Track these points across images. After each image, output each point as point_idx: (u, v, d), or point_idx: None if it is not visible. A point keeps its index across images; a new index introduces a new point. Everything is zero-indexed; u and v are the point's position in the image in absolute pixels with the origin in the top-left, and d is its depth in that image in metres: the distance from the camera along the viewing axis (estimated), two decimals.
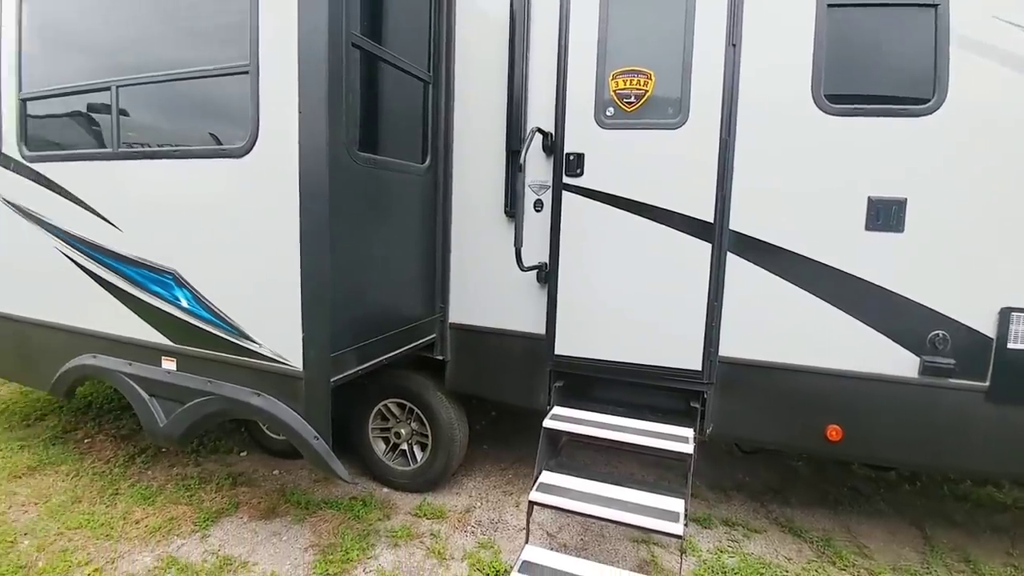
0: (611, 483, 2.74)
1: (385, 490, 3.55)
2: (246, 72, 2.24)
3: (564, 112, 2.82)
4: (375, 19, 2.66)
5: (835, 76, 2.47)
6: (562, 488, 2.71)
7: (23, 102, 3.00)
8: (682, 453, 2.62)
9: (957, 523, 3.36)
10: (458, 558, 2.92)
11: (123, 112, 2.62)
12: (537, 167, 2.94)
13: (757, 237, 2.60)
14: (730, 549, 3.06)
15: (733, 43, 2.57)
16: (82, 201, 2.79)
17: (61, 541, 2.92)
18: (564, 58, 2.80)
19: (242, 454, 4.01)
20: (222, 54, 2.34)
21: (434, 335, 3.26)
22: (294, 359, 2.31)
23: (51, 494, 3.37)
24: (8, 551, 2.82)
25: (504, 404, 3.51)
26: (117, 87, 2.59)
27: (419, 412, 3.46)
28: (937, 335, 2.40)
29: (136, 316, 2.70)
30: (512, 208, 2.97)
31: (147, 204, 2.61)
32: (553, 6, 2.79)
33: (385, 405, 3.52)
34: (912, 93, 2.39)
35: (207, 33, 2.43)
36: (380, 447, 3.58)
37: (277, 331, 2.34)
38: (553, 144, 2.84)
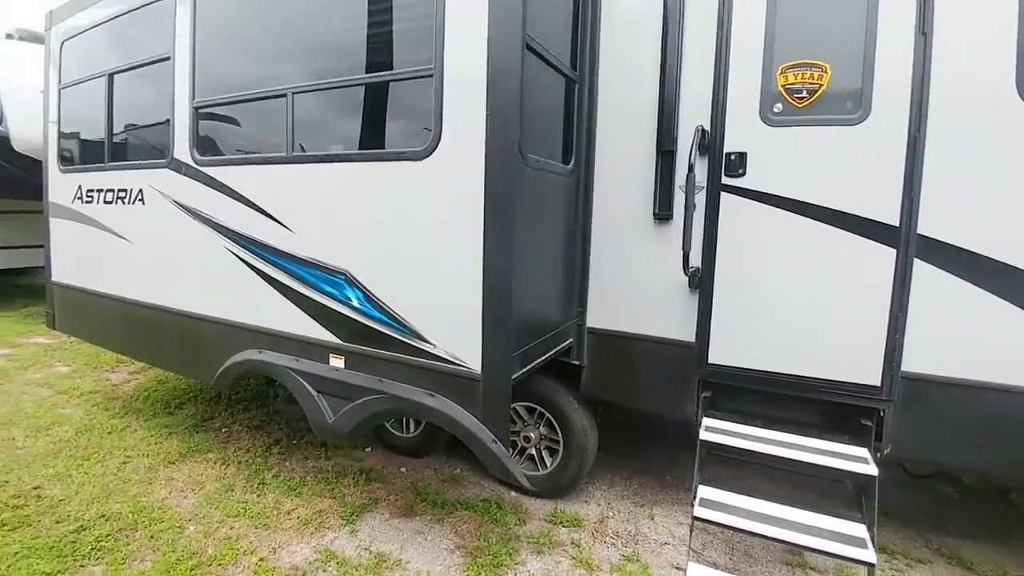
0: (770, 501, 2.60)
1: (513, 494, 3.55)
2: (430, 75, 2.28)
3: (724, 110, 2.72)
4: (533, 19, 2.66)
5: None
6: (723, 504, 2.60)
7: (196, 110, 3.20)
8: (866, 475, 2.44)
9: None
10: (606, 570, 2.86)
11: (297, 118, 2.74)
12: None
13: (950, 242, 2.40)
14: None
15: (924, 31, 2.39)
16: (253, 203, 2.94)
17: (224, 528, 3.08)
18: (725, 53, 2.70)
19: (367, 450, 4.12)
20: (402, 58, 2.41)
21: (571, 340, 3.22)
22: (471, 361, 2.32)
23: (204, 481, 3.57)
24: (179, 536, 2.99)
25: (643, 412, 3.41)
26: (293, 94, 2.71)
27: (550, 417, 3.43)
28: None
29: (305, 314, 2.82)
30: (664, 211, 2.89)
31: (320, 206, 2.71)
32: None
33: (514, 408, 3.51)
34: None
35: (386, 38, 2.50)
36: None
37: (454, 332, 2.37)
38: (710, 143, 2.74)
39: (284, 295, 2.88)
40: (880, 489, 2.45)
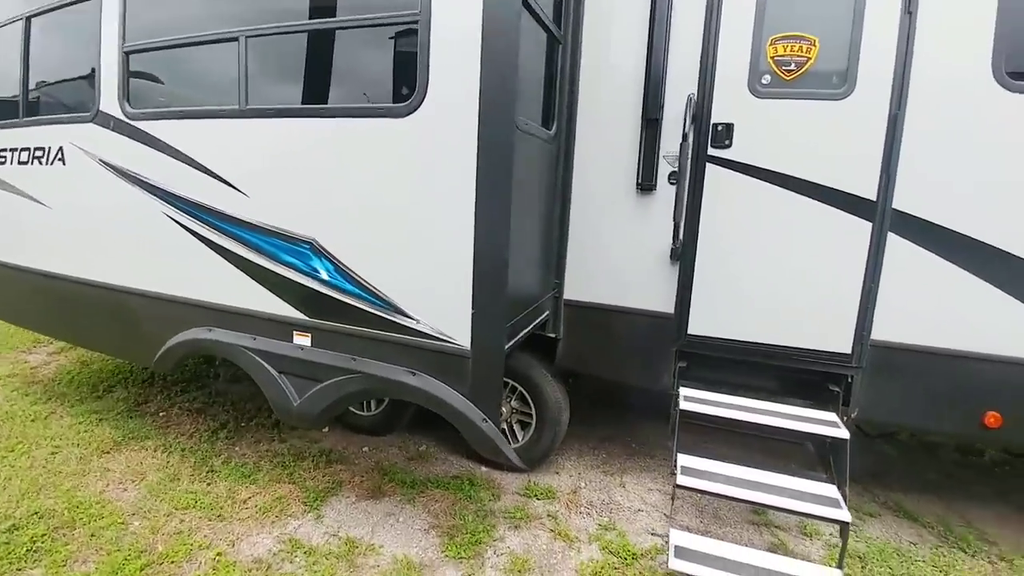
0: (743, 465, 2.68)
1: (484, 469, 3.47)
2: (414, 23, 2.04)
3: (712, 79, 2.65)
4: None
5: (1019, 52, 2.33)
6: (701, 471, 2.64)
7: (127, 55, 2.76)
8: (837, 438, 2.55)
9: None
10: (585, 540, 2.85)
11: (252, 65, 2.40)
12: (673, 137, 2.78)
13: (923, 217, 2.49)
14: (852, 533, 3.02)
15: (909, 10, 2.41)
16: (199, 163, 2.59)
17: (173, 522, 2.80)
18: (716, 21, 2.62)
19: (324, 430, 3.89)
20: (378, 3, 2.14)
21: (548, 312, 3.13)
22: (459, 337, 2.17)
23: (145, 471, 3.24)
24: (123, 533, 2.70)
25: (619, 383, 3.41)
26: (246, 37, 2.37)
27: (522, 391, 3.36)
28: None
29: (263, 288, 2.54)
30: (647, 181, 2.82)
31: (281, 168, 2.42)
32: None
33: None
34: None
35: None
36: None
37: (439, 307, 2.20)
38: (697, 113, 2.69)
39: (237, 267, 2.59)
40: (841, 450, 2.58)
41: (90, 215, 3.05)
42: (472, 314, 2.12)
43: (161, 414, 3.96)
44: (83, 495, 2.97)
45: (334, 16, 2.29)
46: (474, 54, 1.96)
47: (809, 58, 2.54)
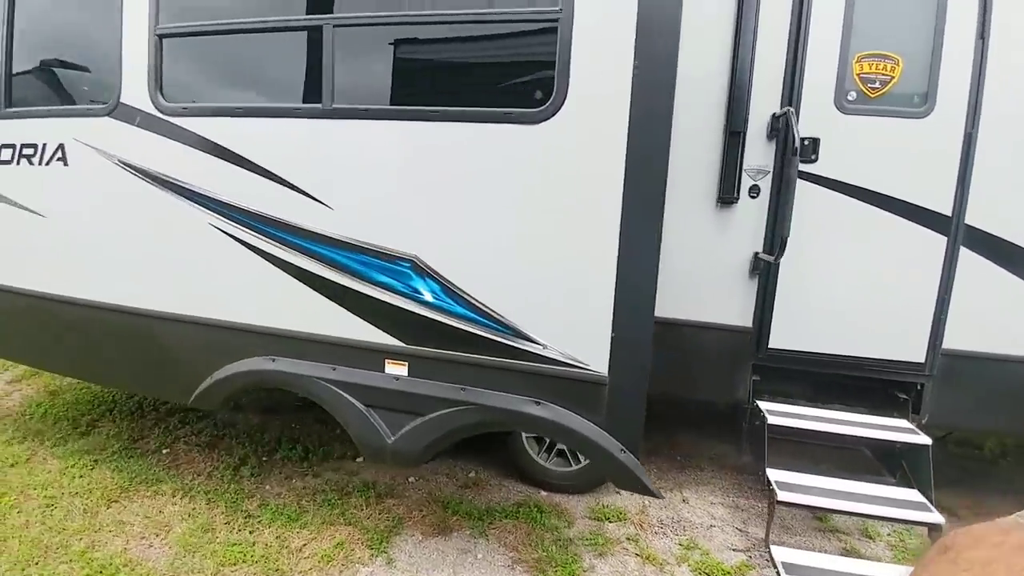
0: (827, 476, 2.72)
1: (543, 494, 3.31)
2: (554, 21, 1.87)
3: (799, 93, 2.67)
4: None
5: None
6: (795, 485, 2.64)
7: (160, 39, 2.35)
8: (919, 444, 2.63)
9: None
10: (673, 562, 2.78)
11: (339, 58, 2.11)
12: (755, 151, 2.78)
13: (991, 232, 2.63)
14: (906, 532, 3.16)
15: (982, 36, 2.54)
16: (264, 169, 2.24)
17: None
18: (803, 36, 2.64)
19: (358, 460, 3.57)
20: None
21: None
22: (594, 363, 2.01)
23: (169, 521, 2.80)
24: None
25: (694, 400, 3.36)
26: (334, 26, 2.08)
27: None
28: None
29: (346, 311, 2.24)
30: (729, 194, 2.79)
31: (376, 176, 2.13)
32: None
33: None
34: None
35: None
36: (534, 448, 3.32)
37: (571, 330, 2.03)
38: (782, 127, 2.69)
39: (311, 287, 2.27)
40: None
41: (103, 225, 2.57)
42: (612, 337, 1.98)
43: (165, 451, 3.46)
44: (103, 556, 2.51)
45: (447, 8, 2.05)
46: (627, 56, 1.82)
47: (893, 77, 2.61)
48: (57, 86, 2.74)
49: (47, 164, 2.63)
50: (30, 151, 2.66)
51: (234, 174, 2.28)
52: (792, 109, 2.53)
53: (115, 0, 2.41)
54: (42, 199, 2.69)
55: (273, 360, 2.37)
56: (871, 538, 3.06)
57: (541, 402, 2.09)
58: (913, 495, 2.62)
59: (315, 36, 2.10)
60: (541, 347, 2.06)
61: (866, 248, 2.72)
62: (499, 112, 1.98)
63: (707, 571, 2.71)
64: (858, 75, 2.63)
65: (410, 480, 3.39)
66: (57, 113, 2.65)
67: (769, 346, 2.89)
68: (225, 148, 2.29)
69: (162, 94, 2.39)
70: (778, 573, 2.44)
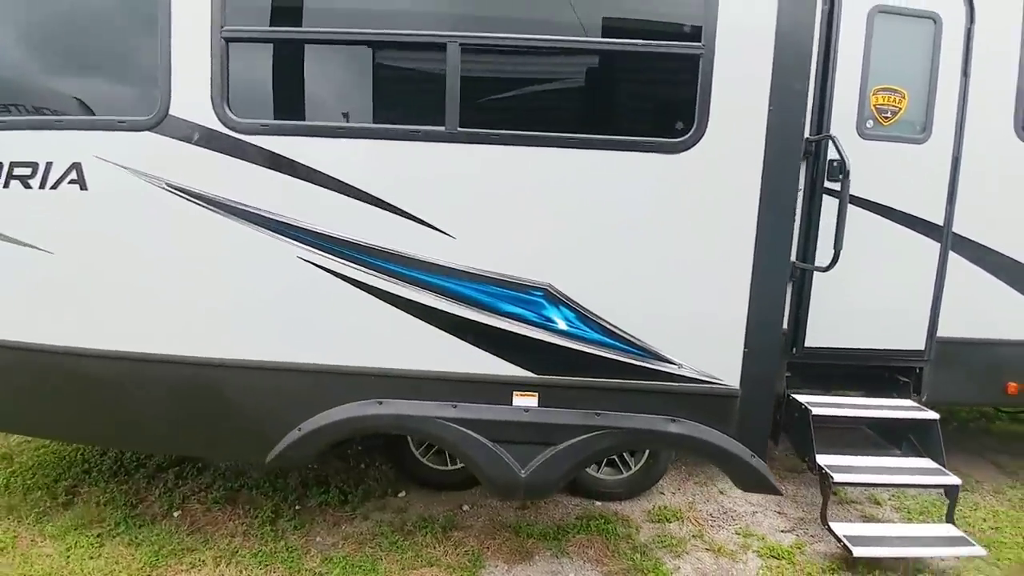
0: (858, 454, 3.12)
1: (597, 504, 3.38)
2: (697, 54, 1.93)
3: (829, 121, 3.00)
4: None
5: None
6: (844, 466, 2.98)
7: (226, 42, 2.02)
8: (929, 420, 3.10)
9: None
10: (740, 551, 3.00)
11: (466, 79, 1.97)
12: None
13: (971, 238, 3.17)
14: (902, 495, 3.65)
15: (965, 73, 3.04)
16: (370, 195, 2.03)
17: None
18: (831, 71, 2.97)
19: (401, 495, 3.36)
20: (644, 24, 1.96)
21: None
22: (727, 378, 2.11)
23: None
24: None
25: None
26: (461, 45, 1.94)
27: None
28: None
29: (468, 345, 2.11)
30: None
31: (506, 204, 2.04)
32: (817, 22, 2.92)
33: None
34: None
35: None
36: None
37: (706, 349, 2.11)
38: (815, 150, 3.01)
39: (428, 322, 2.11)
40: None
41: (146, 262, 2.16)
42: (744, 353, 2.10)
43: (176, 513, 2.99)
44: None
45: (591, 36, 2.01)
46: (763, 91, 1.95)
47: (900, 108, 3.03)
48: (68, 91, 2.23)
49: (53, 188, 2.15)
50: (25, 171, 2.15)
51: (332, 201, 2.05)
52: (836, 135, 2.84)
53: None
54: (47, 231, 2.19)
55: (380, 403, 2.17)
56: (879, 503, 3.54)
57: (677, 419, 2.16)
58: (927, 463, 3.08)
59: (438, 55, 1.96)
60: (676, 366, 2.13)
61: (880, 253, 3.13)
62: (642, 141, 2.00)
63: (774, 554, 2.97)
64: (874, 106, 3.02)
65: (464, 508, 3.27)
66: (68, 125, 2.16)
67: (806, 345, 3.21)
68: (319, 172, 2.05)
69: (229, 108, 2.07)
70: (845, 546, 2.76)
